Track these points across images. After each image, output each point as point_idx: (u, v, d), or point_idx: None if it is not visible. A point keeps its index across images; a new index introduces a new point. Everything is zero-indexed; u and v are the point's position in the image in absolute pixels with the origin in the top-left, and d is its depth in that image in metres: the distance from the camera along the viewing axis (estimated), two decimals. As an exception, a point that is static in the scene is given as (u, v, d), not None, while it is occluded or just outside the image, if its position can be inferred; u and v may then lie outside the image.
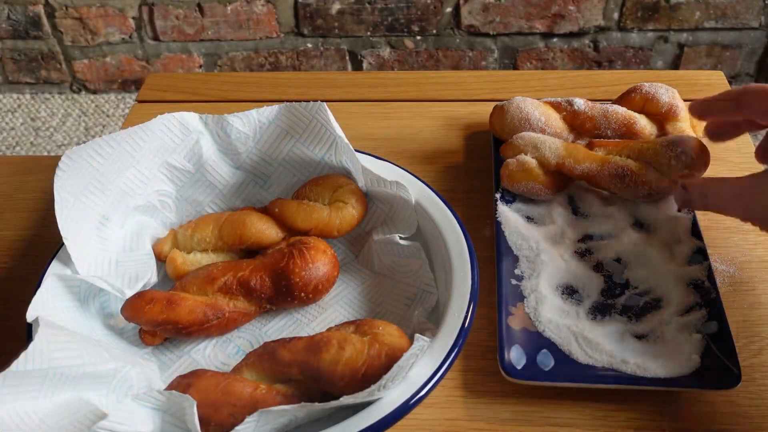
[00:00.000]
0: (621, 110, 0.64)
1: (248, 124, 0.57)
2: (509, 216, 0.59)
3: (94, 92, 1.96)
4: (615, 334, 0.51)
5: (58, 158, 0.50)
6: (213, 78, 0.84)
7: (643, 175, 0.58)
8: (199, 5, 1.75)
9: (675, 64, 1.80)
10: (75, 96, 1.96)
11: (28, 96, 1.97)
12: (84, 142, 0.57)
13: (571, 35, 1.75)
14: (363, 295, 0.55)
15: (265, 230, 0.55)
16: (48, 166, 0.71)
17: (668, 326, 0.51)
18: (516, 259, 0.56)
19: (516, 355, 0.49)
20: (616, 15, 1.70)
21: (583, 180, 0.60)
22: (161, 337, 0.52)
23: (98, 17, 1.79)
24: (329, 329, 0.53)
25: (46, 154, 1.79)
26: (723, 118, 0.56)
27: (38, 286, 0.48)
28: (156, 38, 1.82)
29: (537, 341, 0.51)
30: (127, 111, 1.91)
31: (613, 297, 0.54)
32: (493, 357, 0.51)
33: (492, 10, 1.70)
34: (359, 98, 0.78)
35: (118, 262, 0.53)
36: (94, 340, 0.48)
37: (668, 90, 0.65)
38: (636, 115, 0.64)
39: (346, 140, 0.56)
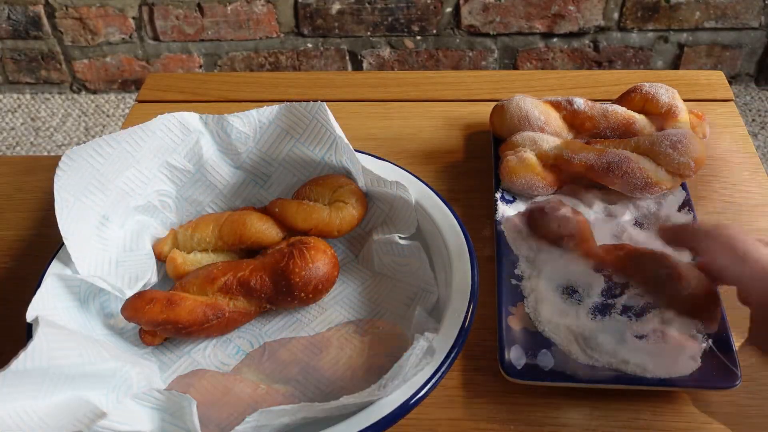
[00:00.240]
0: (620, 110, 0.64)
1: (248, 124, 0.57)
2: (509, 216, 0.59)
3: (94, 92, 1.96)
4: (615, 334, 0.51)
5: (58, 158, 0.50)
6: (213, 78, 0.84)
7: (639, 161, 0.58)
8: (199, 5, 1.75)
9: (675, 64, 1.80)
10: (75, 96, 1.96)
11: (28, 96, 1.97)
12: (84, 142, 0.57)
13: (571, 35, 1.75)
14: (363, 295, 0.55)
15: (265, 230, 0.55)
16: (48, 166, 0.71)
17: (668, 326, 0.51)
18: (516, 259, 0.56)
19: (516, 355, 0.49)
20: (616, 15, 1.70)
21: (581, 172, 0.60)
22: (161, 337, 0.52)
23: (98, 17, 1.78)
24: (329, 329, 0.53)
25: (46, 154, 1.79)
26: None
27: (38, 286, 0.48)
28: (156, 38, 1.82)
29: (537, 341, 0.51)
30: (127, 111, 1.91)
31: (613, 297, 0.54)
32: (493, 357, 0.51)
33: (492, 10, 1.70)
34: (359, 98, 0.78)
35: (118, 262, 0.53)
36: (94, 340, 0.48)
37: (668, 90, 0.65)
38: (635, 115, 0.64)
39: (346, 140, 0.56)
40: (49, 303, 0.47)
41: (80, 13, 1.78)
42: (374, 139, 0.72)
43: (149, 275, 0.54)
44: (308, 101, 0.56)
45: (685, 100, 0.65)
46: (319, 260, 0.52)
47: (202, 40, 1.82)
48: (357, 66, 1.85)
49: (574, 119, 0.65)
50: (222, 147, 0.58)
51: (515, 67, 1.82)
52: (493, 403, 0.49)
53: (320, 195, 0.57)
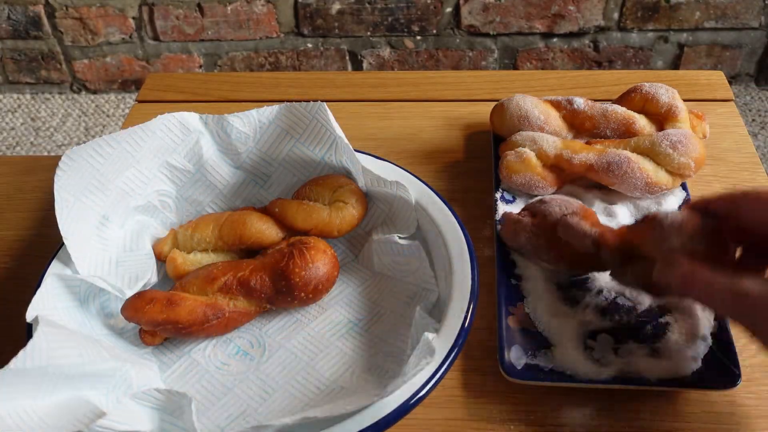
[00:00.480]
0: (620, 110, 0.64)
1: (248, 124, 0.57)
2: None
3: (94, 92, 1.96)
4: (615, 334, 0.51)
5: (58, 158, 0.50)
6: (213, 78, 0.84)
7: (639, 161, 0.58)
8: (199, 5, 1.75)
9: (675, 64, 1.80)
10: (75, 96, 1.96)
11: (28, 96, 1.97)
12: (84, 142, 0.57)
13: (571, 35, 1.75)
14: (363, 295, 0.55)
15: (265, 230, 0.55)
16: (48, 166, 0.71)
17: (669, 326, 0.51)
18: (516, 258, 0.56)
19: (516, 355, 0.49)
20: (616, 15, 1.70)
21: (581, 171, 0.60)
22: (161, 337, 0.52)
23: (98, 17, 1.79)
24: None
25: (46, 154, 1.79)
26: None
27: (38, 286, 0.48)
28: (156, 38, 1.82)
29: (537, 341, 0.51)
30: (127, 111, 1.91)
31: (613, 297, 0.54)
32: (493, 357, 0.51)
33: (492, 10, 1.70)
34: (359, 98, 0.78)
35: (118, 262, 0.54)
36: (93, 340, 0.48)
37: (668, 90, 0.65)
38: (635, 115, 0.64)
39: (346, 140, 0.56)
40: (49, 303, 0.47)
41: (80, 13, 1.78)
42: (374, 139, 0.72)
43: (149, 275, 0.54)
44: (308, 101, 0.56)
45: (685, 100, 0.65)
46: (319, 260, 0.52)
47: (202, 40, 1.82)
48: (357, 66, 1.85)
49: (574, 119, 0.65)
50: (222, 147, 0.58)
51: (515, 67, 1.82)
52: (493, 403, 0.49)
53: (320, 195, 0.57)
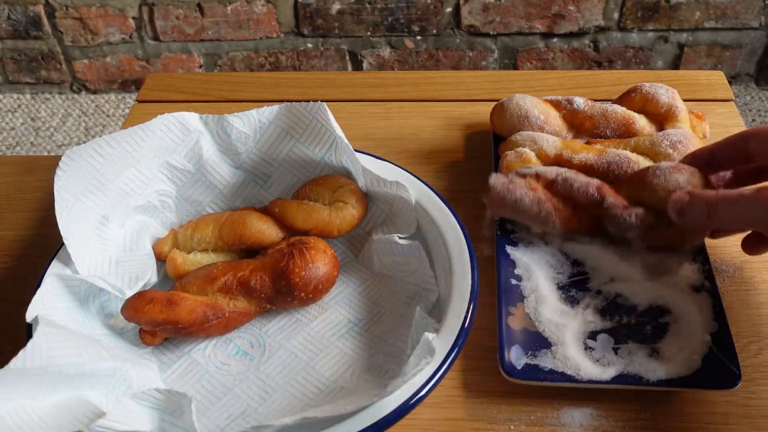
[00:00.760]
0: (620, 110, 0.64)
1: (248, 124, 0.57)
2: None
3: (94, 92, 1.96)
4: (615, 334, 0.51)
5: (58, 158, 0.50)
6: (213, 78, 0.84)
7: (639, 161, 0.58)
8: (199, 5, 1.75)
9: (675, 64, 1.80)
10: (75, 96, 1.96)
11: (28, 96, 1.97)
12: (84, 142, 0.57)
13: (571, 35, 1.75)
14: (363, 295, 0.55)
15: (265, 230, 0.55)
16: (48, 166, 0.71)
17: (669, 326, 0.51)
18: (516, 259, 0.56)
19: (516, 355, 0.49)
20: (616, 15, 1.70)
21: (581, 171, 0.60)
22: (161, 337, 0.52)
23: (98, 17, 1.79)
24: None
25: (46, 154, 1.79)
26: (730, 168, 0.52)
27: (38, 286, 0.48)
28: (156, 38, 1.82)
29: (537, 341, 0.51)
30: (127, 111, 1.91)
31: (614, 297, 0.54)
32: (493, 357, 0.51)
33: (492, 10, 1.70)
34: (359, 98, 0.78)
35: (118, 262, 0.54)
36: (93, 340, 0.48)
37: (668, 90, 0.65)
38: (635, 114, 0.64)
39: (346, 140, 0.56)
40: (49, 303, 0.47)
41: (80, 13, 1.78)
42: (374, 139, 0.72)
43: (149, 275, 0.54)
44: (308, 101, 0.56)
45: (685, 100, 0.65)
46: (319, 260, 0.52)
47: (202, 40, 1.82)
48: (357, 66, 1.85)
49: (573, 119, 0.65)
50: (222, 147, 0.58)
51: (515, 67, 1.82)
52: (493, 403, 0.49)
53: (320, 195, 0.57)
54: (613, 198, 0.53)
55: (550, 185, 0.55)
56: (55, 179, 0.50)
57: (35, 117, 1.90)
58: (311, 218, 0.55)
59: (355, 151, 0.56)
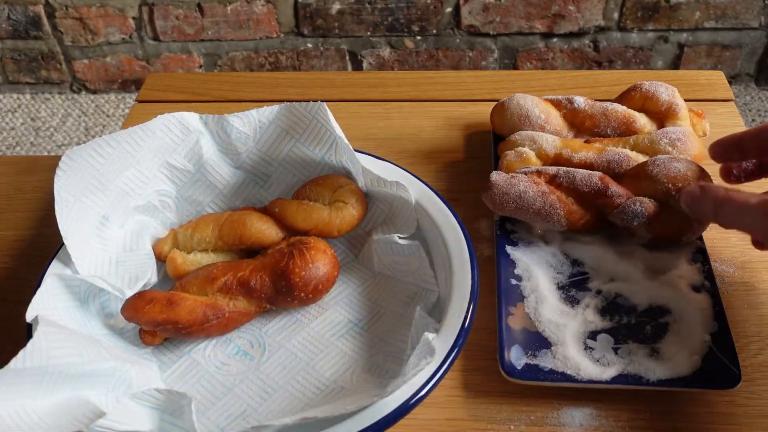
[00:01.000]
0: (621, 109, 0.64)
1: (248, 124, 0.57)
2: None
3: (94, 92, 1.96)
4: (615, 334, 0.51)
5: (58, 158, 0.50)
6: (213, 78, 0.84)
7: (639, 159, 0.58)
8: (199, 5, 1.75)
9: (675, 64, 1.80)
10: (75, 96, 1.96)
11: (28, 96, 1.97)
12: (84, 142, 0.57)
13: (571, 35, 1.75)
14: (363, 295, 0.55)
15: (265, 230, 0.55)
16: (48, 166, 0.71)
17: (669, 326, 0.51)
18: (516, 259, 0.56)
19: (516, 355, 0.49)
20: (616, 15, 1.70)
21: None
22: (161, 337, 0.52)
23: (98, 17, 1.79)
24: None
25: (46, 154, 1.79)
26: (757, 158, 0.53)
27: (38, 286, 0.48)
28: (156, 38, 1.82)
29: (537, 341, 0.51)
30: (127, 111, 1.91)
31: (614, 297, 0.54)
32: (493, 357, 0.51)
33: (492, 10, 1.70)
34: (359, 98, 0.78)
35: (118, 262, 0.54)
36: (93, 340, 0.48)
37: (668, 88, 0.65)
38: (636, 113, 0.64)
39: (346, 140, 0.56)
40: (49, 303, 0.47)
41: (80, 13, 1.78)
42: (374, 139, 0.72)
43: (149, 275, 0.54)
44: (308, 101, 0.56)
45: (685, 100, 0.65)
46: (319, 260, 0.52)
47: (202, 40, 1.82)
48: (357, 66, 1.85)
49: (574, 118, 0.65)
50: (222, 147, 0.58)
51: (515, 67, 1.82)
52: (493, 403, 0.49)
53: (320, 195, 0.57)
54: (616, 187, 0.54)
55: (553, 179, 0.55)
56: (55, 179, 0.50)
57: (35, 117, 1.90)
58: (311, 218, 0.55)
59: (355, 151, 0.56)
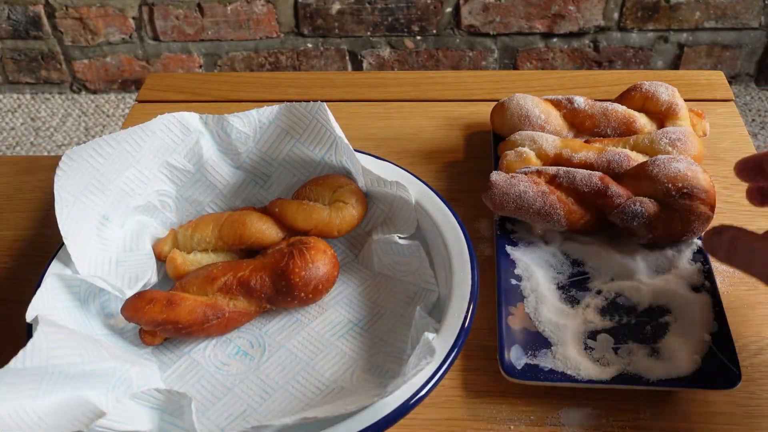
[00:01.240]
0: (621, 108, 0.64)
1: (248, 124, 0.57)
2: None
3: (94, 92, 1.96)
4: (615, 334, 0.51)
5: (58, 158, 0.50)
6: (213, 78, 0.84)
7: (639, 159, 0.58)
8: (199, 5, 1.75)
9: (675, 64, 1.80)
10: (75, 96, 1.96)
11: (28, 96, 1.97)
12: (84, 142, 0.57)
13: (571, 35, 1.75)
14: (363, 295, 0.55)
15: (265, 230, 0.55)
16: (48, 166, 0.71)
17: (669, 326, 0.51)
18: (516, 259, 0.56)
19: (516, 355, 0.49)
20: (616, 15, 1.70)
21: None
22: (161, 337, 0.52)
23: (98, 17, 1.79)
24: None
25: (46, 154, 1.79)
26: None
27: (38, 286, 0.48)
28: (156, 38, 1.82)
29: (537, 341, 0.51)
30: (127, 111, 1.91)
31: (613, 297, 0.54)
32: (493, 357, 0.51)
33: (492, 10, 1.70)
34: (359, 98, 0.78)
35: (118, 262, 0.54)
36: (93, 340, 0.48)
37: (668, 88, 0.65)
38: (636, 113, 0.64)
39: (346, 140, 0.56)
40: (49, 303, 0.47)
41: (80, 13, 1.78)
42: (374, 139, 0.72)
43: (149, 275, 0.54)
44: (308, 101, 0.56)
45: (685, 100, 0.65)
46: (319, 260, 0.52)
47: (202, 40, 1.82)
48: (357, 66, 1.85)
49: (574, 118, 0.65)
50: (222, 147, 0.58)
51: (515, 67, 1.82)
52: (493, 403, 0.49)
53: (320, 195, 0.57)
54: (616, 187, 0.54)
55: (553, 180, 0.55)
56: (55, 179, 0.50)
57: (35, 117, 1.90)
58: (311, 218, 0.55)
59: (355, 151, 0.56)
